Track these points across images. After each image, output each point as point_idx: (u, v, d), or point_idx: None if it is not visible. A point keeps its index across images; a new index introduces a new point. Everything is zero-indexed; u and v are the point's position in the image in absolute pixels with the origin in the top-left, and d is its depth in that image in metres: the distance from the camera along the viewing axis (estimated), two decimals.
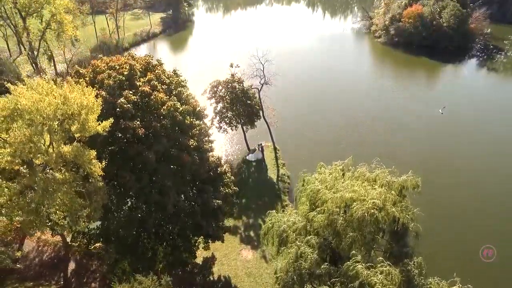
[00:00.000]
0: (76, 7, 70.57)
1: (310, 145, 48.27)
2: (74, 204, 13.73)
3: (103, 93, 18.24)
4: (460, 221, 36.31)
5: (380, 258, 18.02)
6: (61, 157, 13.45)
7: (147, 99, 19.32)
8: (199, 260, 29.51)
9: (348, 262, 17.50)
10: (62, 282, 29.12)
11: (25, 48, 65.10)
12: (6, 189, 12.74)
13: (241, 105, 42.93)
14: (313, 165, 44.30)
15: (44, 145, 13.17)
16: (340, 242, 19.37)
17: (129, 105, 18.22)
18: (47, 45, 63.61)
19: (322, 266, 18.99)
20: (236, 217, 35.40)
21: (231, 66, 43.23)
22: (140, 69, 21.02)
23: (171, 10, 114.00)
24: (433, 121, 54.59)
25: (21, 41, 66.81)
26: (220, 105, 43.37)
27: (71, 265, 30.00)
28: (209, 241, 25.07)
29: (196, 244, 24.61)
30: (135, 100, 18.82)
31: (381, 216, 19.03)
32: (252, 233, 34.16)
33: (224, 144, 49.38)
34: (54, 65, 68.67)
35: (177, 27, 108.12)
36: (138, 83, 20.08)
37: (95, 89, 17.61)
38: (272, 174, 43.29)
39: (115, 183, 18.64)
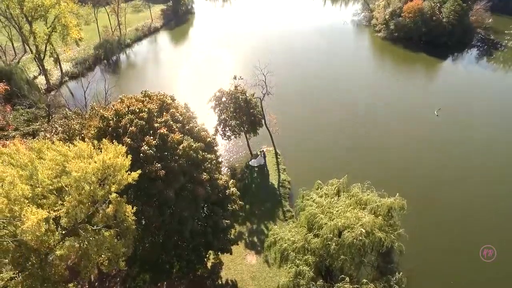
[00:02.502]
0: (78, 7, 71.16)
1: (310, 148, 50.82)
2: (116, 249, 16.82)
3: (128, 140, 20.92)
4: (455, 223, 38.73)
5: (365, 280, 21.16)
6: (105, 215, 16.37)
7: (165, 138, 21.93)
8: (208, 265, 32.87)
9: (338, 284, 20.72)
10: (86, 286, 32.74)
11: (30, 49, 66.66)
12: (66, 243, 15.78)
13: (244, 114, 45.27)
14: (312, 166, 47.14)
15: (91, 206, 16.08)
16: (333, 262, 22.58)
17: (151, 150, 20.92)
18: (53, 47, 65.16)
19: (318, 283, 22.27)
20: (240, 223, 38.53)
21: (235, 78, 45.32)
22: (156, 109, 23.55)
23: (171, 1, 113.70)
24: (429, 123, 56.59)
25: (25, 41, 68.28)
26: (224, 114, 45.70)
27: (94, 270, 33.47)
28: (219, 253, 28.38)
29: (207, 256, 27.96)
30: (155, 143, 21.46)
31: (368, 240, 22.17)
32: (255, 239, 37.46)
33: (227, 150, 52.02)
34: (60, 67, 70.38)
35: (178, 20, 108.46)
36: (156, 124, 22.66)
37: (119, 132, 20.20)
38: (273, 179, 46.20)
39: (140, 216, 21.51)
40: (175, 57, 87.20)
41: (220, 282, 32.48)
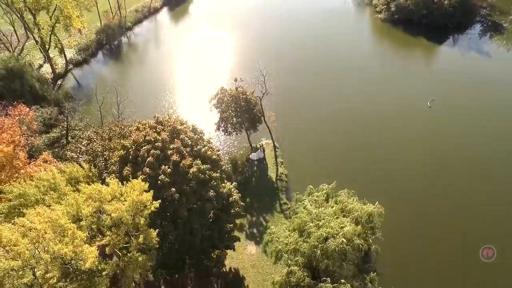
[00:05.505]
0: None
1: (306, 140, 54.32)
2: (146, 266, 21.28)
3: (147, 169, 24.63)
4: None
5: (343, 280, 25.91)
6: (138, 243, 20.53)
7: (177, 165, 25.63)
8: (214, 256, 37.91)
9: (321, 284, 25.53)
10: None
11: (36, 40, 67.95)
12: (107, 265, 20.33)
13: (245, 113, 48.40)
14: (308, 158, 50.12)
15: (125, 237, 20.20)
16: (319, 264, 27.30)
17: (167, 178, 24.69)
18: (57, 38, 66.48)
19: (306, 280, 27.14)
20: (242, 216, 43.12)
21: (235, 80, 47.92)
22: (168, 137, 26.94)
23: None
24: (422, 116, 58.48)
25: (28, 28, 69.42)
26: (226, 113, 48.83)
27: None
28: (223, 250, 33.30)
29: (214, 252, 32.88)
30: (170, 171, 25.19)
31: (348, 248, 26.67)
32: (255, 230, 42.40)
33: (229, 143, 55.65)
34: (64, 55, 71.95)
35: None
36: (169, 151, 26.22)
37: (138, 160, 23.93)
38: (271, 173, 50.33)
39: (160, 231, 25.74)
40: (176, 39, 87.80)
41: (224, 270, 37.80)
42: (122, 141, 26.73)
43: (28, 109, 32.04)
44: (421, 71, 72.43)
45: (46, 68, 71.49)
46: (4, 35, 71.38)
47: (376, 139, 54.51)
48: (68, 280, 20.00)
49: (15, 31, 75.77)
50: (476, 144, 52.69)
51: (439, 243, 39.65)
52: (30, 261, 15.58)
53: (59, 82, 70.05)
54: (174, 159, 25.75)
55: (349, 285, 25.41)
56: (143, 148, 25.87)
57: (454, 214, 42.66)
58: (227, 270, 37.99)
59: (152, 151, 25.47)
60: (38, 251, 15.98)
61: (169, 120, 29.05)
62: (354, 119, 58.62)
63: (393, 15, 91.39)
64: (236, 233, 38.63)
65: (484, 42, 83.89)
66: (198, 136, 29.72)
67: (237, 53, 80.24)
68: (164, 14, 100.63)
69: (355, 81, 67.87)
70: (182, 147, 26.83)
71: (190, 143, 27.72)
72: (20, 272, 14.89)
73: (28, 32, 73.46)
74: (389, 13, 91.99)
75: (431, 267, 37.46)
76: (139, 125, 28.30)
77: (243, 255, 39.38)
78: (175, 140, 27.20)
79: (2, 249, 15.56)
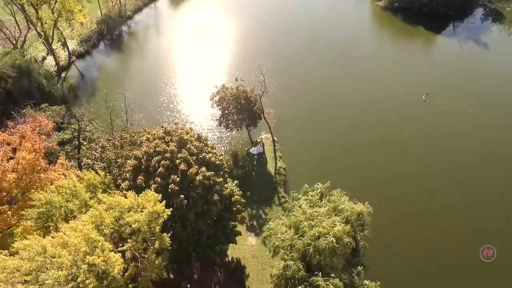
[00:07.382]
0: None
1: (304, 135, 56.82)
2: (161, 266, 24.54)
3: (158, 179, 27.36)
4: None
5: (332, 274, 29.26)
6: (154, 249, 23.60)
7: (185, 173, 28.40)
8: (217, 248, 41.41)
9: (314, 277, 28.97)
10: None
11: (39, 34, 68.77)
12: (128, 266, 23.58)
13: (246, 111, 50.64)
14: (306, 153, 52.51)
15: (143, 243, 23.28)
16: (311, 260, 30.68)
17: (176, 187, 27.47)
18: (60, 32, 67.45)
19: (300, 273, 30.58)
20: (243, 211, 46.29)
21: (236, 80, 49.79)
22: (176, 148, 29.51)
23: None
24: (417, 110, 60.54)
25: (30, 21, 70.19)
26: (227, 110, 51.06)
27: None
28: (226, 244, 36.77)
29: (218, 246, 36.32)
30: (178, 180, 27.95)
31: (338, 246, 29.89)
32: (255, 223, 45.81)
33: (230, 138, 58.18)
34: (67, 48, 72.95)
35: None
36: (177, 161, 28.88)
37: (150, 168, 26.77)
38: (270, 167, 53.21)
39: (171, 233, 28.81)
40: (175, 27, 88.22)
41: (227, 260, 41.49)
42: (134, 152, 29.36)
43: (47, 120, 34.42)
44: (419, 64, 73.15)
45: (50, 61, 72.76)
46: (6, 28, 72.17)
47: (371, 133, 56.65)
48: (96, 278, 23.27)
49: (16, 22, 76.32)
50: (474, 142, 53.51)
51: (438, 242, 41.03)
52: (72, 270, 18.67)
53: (63, 75, 71.56)
54: (182, 168, 28.50)
55: (337, 279, 28.79)
56: (154, 159, 28.60)
57: (453, 213, 43.80)
58: (229, 260, 41.67)
59: (162, 162, 28.17)
60: (76, 261, 19.01)
61: (176, 130, 31.54)
62: (350, 114, 60.53)
63: (393, 2, 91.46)
64: (239, 226, 41.84)
65: (484, 31, 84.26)
66: (203, 144, 32.31)
67: (235, 40, 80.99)
68: (163, 2, 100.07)
69: (352, 76, 69.12)
70: (188, 156, 29.49)
71: (195, 151, 30.35)
72: (64, 280, 17.98)
73: (30, 24, 74.09)
74: (389, 1, 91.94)
75: (429, 267, 39.68)
76: (149, 136, 30.85)
77: (244, 246, 42.95)
78: (182, 149, 29.84)
79: (48, 260, 18.60)
